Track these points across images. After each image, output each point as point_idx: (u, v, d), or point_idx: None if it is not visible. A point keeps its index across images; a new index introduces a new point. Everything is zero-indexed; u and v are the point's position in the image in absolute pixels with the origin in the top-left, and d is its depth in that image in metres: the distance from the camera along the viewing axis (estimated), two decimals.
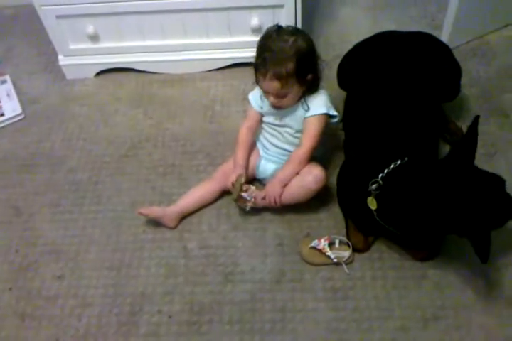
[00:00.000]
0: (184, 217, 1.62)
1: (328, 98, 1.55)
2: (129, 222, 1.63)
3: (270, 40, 1.43)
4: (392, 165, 1.34)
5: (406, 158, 1.34)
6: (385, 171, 1.34)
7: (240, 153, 1.61)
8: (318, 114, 1.52)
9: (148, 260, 1.53)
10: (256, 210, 1.60)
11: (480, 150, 1.72)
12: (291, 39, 1.41)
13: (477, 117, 1.32)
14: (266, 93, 1.51)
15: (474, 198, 1.23)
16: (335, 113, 1.55)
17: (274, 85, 1.44)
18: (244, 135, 1.63)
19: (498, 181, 1.27)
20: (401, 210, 1.33)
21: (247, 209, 1.57)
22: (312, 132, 1.52)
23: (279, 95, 1.47)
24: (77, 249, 1.58)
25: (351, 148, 1.59)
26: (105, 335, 1.39)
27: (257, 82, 1.50)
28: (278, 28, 1.45)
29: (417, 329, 1.34)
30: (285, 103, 1.51)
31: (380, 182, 1.34)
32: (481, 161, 1.68)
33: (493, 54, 2.06)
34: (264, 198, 1.54)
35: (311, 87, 1.51)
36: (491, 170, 1.62)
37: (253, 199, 1.54)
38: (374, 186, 1.34)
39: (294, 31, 1.45)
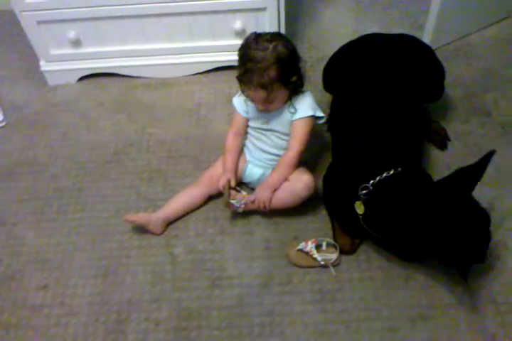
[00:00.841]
0: (171, 222, 1.61)
1: (313, 99, 1.55)
2: (114, 228, 1.62)
3: (250, 50, 1.42)
4: (385, 174, 1.33)
5: (399, 168, 1.34)
6: (377, 178, 1.34)
7: (229, 158, 1.60)
8: (305, 117, 1.52)
9: (134, 267, 1.52)
10: (243, 213, 1.59)
11: (463, 150, 1.75)
12: (271, 46, 1.41)
13: (492, 152, 1.29)
14: (253, 101, 1.51)
15: (458, 228, 1.25)
16: (321, 114, 1.55)
17: (261, 94, 1.44)
18: (231, 141, 1.62)
19: (485, 218, 1.29)
20: (387, 220, 1.34)
21: (239, 211, 1.56)
22: (300, 135, 1.52)
23: (267, 101, 1.47)
24: (62, 257, 1.56)
25: (338, 149, 1.60)
26: None
27: (243, 91, 1.51)
28: (256, 36, 1.44)
29: (405, 329, 1.34)
30: (273, 107, 1.51)
31: (370, 188, 1.34)
32: (465, 161, 1.71)
33: (476, 54, 2.08)
34: (253, 202, 1.54)
35: (296, 88, 1.51)
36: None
37: (243, 206, 1.54)
38: (364, 191, 1.35)
39: (272, 37, 1.44)
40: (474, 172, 1.29)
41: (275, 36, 1.46)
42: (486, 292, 1.40)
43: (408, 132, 1.49)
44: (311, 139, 1.58)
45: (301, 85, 1.53)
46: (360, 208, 1.37)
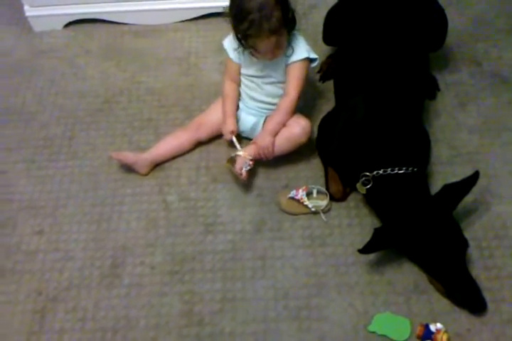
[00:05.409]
0: (157, 164, 1.62)
1: (305, 41, 1.53)
2: (106, 176, 1.62)
3: (244, 3, 1.36)
4: (389, 170, 1.37)
5: (404, 168, 1.37)
6: (380, 172, 1.38)
7: (228, 106, 1.59)
8: (300, 60, 1.50)
9: (128, 213, 1.54)
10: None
11: (453, 100, 1.77)
12: None
13: (477, 173, 1.38)
14: (261, 53, 1.45)
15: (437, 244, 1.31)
16: (315, 56, 1.54)
17: (272, 41, 1.40)
18: (228, 89, 1.60)
19: (463, 244, 1.34)
20: (382, 212, 1.44)
21: (249, 168, 1.53)
22: (297, 80, 1.51)
23: (276, 47, 1.43)
24: (55, 204, 1.57)
25: (343, 95, 1.62)
26: (88, 287, 1.40)
27: (248, 48, 1.45)
28: None
29: (391, 271, 1.39)
30: (280, 53, 1.47)
31: (371, 179, 1.39)
32: (454, 111, 1.73)
33: (468, 3, 2.06)
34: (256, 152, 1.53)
35: (291, 25, 1.46)
36: (464, 117, 1.67)
37: (251, 162, 1.52)
38: (364, 179, 1.40)
39: None
40: (459, 190, 1.37)
41: None
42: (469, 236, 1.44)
43: (411, 81, 1.53)
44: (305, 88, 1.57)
45: (294, 25, 1.48)
46: (361, 189, 1.43)
